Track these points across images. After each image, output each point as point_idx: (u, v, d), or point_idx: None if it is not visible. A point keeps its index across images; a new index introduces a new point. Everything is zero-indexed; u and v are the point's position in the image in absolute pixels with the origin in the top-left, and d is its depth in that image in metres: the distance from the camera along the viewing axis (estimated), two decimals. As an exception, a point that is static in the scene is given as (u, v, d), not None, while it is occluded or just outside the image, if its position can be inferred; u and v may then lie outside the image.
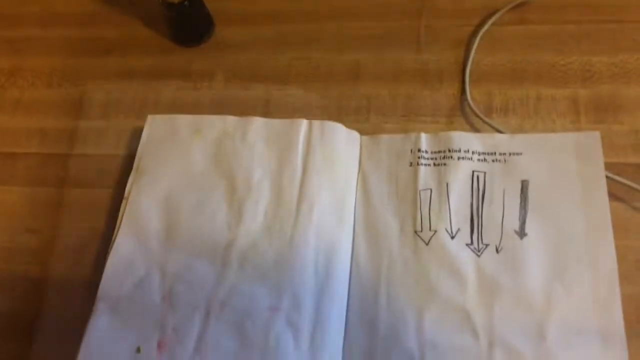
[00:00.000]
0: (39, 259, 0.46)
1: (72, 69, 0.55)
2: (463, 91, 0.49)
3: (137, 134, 0.49)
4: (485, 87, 0.49)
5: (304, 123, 0.46)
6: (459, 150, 0.44)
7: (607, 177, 0.42)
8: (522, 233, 0.41)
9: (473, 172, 0.44)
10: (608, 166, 0.43)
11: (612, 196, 0.42)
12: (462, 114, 0.48)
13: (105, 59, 0.55)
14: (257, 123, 0.47)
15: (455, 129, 0.46)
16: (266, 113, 0.50)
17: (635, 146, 0.45)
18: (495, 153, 0.44)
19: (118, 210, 0.45)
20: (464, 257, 0.41)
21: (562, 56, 0.50)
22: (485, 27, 0.51)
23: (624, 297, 0.39)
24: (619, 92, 0.47)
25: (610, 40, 0.50)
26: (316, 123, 0.46)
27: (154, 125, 0.48)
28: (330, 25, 0.54)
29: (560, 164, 0.43)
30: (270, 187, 0.44)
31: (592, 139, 0.44)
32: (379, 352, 0.39)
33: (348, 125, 0.47)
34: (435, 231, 0.42)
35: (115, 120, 0.52)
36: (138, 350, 0.40)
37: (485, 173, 0.44)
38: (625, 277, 0.39)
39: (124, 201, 0.45)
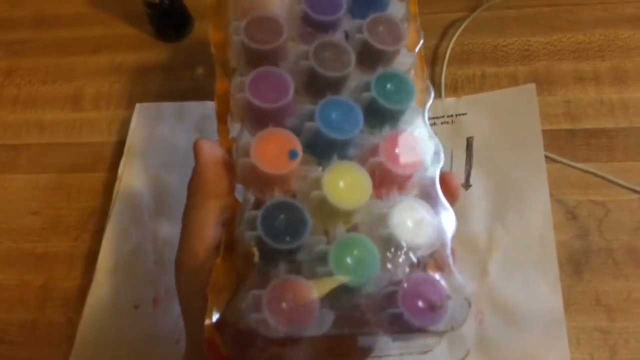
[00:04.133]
0: (43, 236, 0.51)
1: (65, 67, 0.60)
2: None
3: (126, 122, 0.54)
4: (438, 69, 0.55)
5: None
6: None
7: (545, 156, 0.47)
8: (467, 185, 0.47)
9: None
10: (543, 133, 0.48)
11: (546, 158, 0.47)
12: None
13: (95, 56, 0.60)
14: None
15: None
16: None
17: (565, 114, 0.51)
18: (444, 116, 0.50)
19: (112, 190, 0.50)
20: None
21: (503, 37, 0.55)
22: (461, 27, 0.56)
23: (556, 244, 0.44)
24: (553, 68, 0.53)
25: (547, 22, 0.56)
26: None
27: (142, 112, 0.54)
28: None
29: (500, 117, 0.48)
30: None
31: (528, 92, 0.49)
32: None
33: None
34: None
35: (106, 111, 0.57)
36: (136, 307, 0.45)
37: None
38: (557, 227, 0.45)
39: (117, 180, 0.50)
